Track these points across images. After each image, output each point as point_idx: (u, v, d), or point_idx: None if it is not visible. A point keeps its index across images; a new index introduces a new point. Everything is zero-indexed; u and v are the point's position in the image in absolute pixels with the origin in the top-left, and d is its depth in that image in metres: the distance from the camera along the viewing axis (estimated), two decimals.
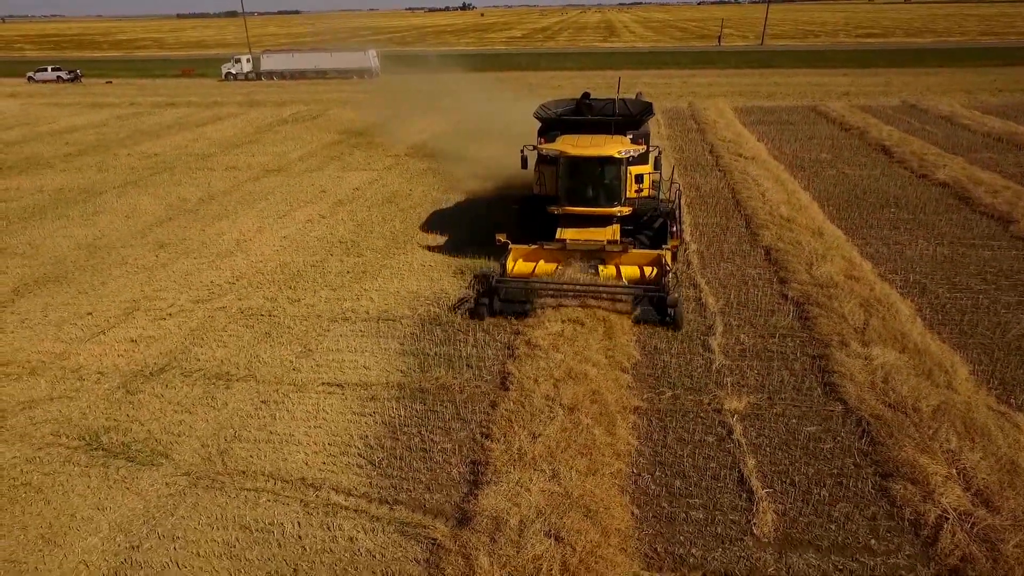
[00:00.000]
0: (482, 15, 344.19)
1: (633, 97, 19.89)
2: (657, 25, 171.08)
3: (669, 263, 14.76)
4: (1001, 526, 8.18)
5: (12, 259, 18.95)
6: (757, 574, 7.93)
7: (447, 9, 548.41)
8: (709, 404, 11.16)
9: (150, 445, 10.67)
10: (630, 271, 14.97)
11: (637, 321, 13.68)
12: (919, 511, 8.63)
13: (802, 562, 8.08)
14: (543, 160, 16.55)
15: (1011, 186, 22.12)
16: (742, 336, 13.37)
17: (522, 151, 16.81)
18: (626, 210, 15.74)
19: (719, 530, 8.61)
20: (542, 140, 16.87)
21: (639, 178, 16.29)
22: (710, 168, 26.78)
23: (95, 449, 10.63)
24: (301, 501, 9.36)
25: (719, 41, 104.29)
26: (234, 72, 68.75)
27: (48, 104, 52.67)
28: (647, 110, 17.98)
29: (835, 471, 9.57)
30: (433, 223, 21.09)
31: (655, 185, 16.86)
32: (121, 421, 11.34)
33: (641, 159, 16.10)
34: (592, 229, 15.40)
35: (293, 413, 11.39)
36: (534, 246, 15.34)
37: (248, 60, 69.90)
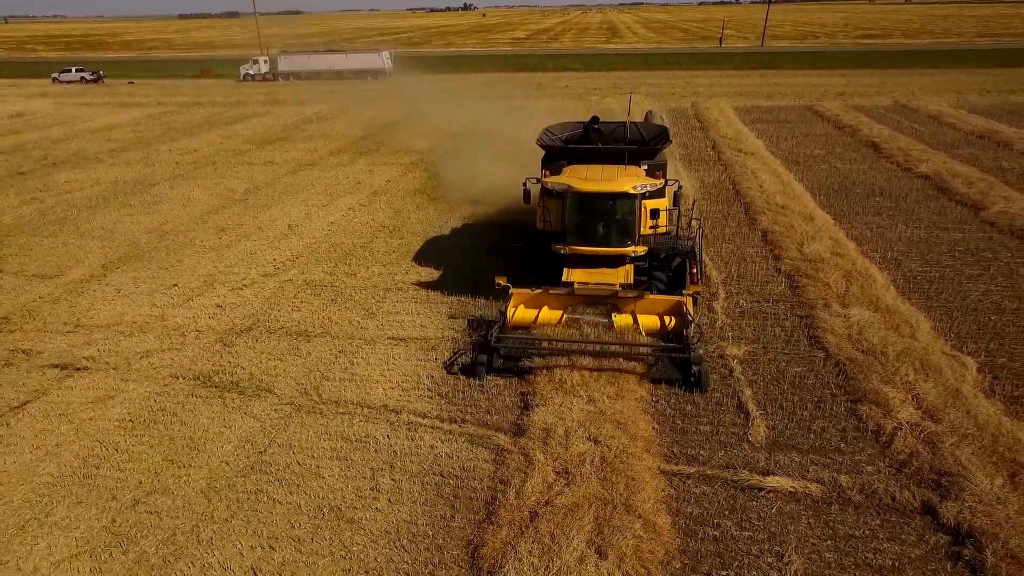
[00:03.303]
0: (484, 15, 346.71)
1: (643, 118, 19.67)
2: (659, 26, 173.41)
3: (691, 311, 13.26)
4: (941, 432, 10.51)
5: (92, 241, 21.31)
6: (751, 467, 10.25)
7: (448, 9, 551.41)
8: (714, 351, 13.48)
9: (254, 383, 13.01)
10: (646, 320, 13.46)
11: (654, 381, 12.34)
12: (879, 424, 10.95)
13: (787, 459, 10.39)
14: (548, 192, 14.94)
15: (985, 178, 24.42)
16: (741, 301, 15.70)
17: (524, 184, 15.25)
18: (641, 250, 14.24)
19: (722, 438, 10.95)
20: (546, 172, 15.47)
21: (654, 213, 14.38)
22: (712, 162, 29.10)
23: (209, 386, 12.97)
24: (387, 421, 11.68)
25: (720, 42, 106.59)
26: (252, 73, 71.21)
27: (79, 104, 55.07)
28: (663, 136, 16.65)
29: (815, 399, 11.89)
30: (464, 211, 23.33)
31: (672, 220, 15.19)
32: (225, 366, 13.67)
33: (657, 192, 14.55)
34: (603, 270, 14.11)
35: (367, 360, 13.72)
36: (538, 291, 13.93)
37: (265, 61, 72.33)
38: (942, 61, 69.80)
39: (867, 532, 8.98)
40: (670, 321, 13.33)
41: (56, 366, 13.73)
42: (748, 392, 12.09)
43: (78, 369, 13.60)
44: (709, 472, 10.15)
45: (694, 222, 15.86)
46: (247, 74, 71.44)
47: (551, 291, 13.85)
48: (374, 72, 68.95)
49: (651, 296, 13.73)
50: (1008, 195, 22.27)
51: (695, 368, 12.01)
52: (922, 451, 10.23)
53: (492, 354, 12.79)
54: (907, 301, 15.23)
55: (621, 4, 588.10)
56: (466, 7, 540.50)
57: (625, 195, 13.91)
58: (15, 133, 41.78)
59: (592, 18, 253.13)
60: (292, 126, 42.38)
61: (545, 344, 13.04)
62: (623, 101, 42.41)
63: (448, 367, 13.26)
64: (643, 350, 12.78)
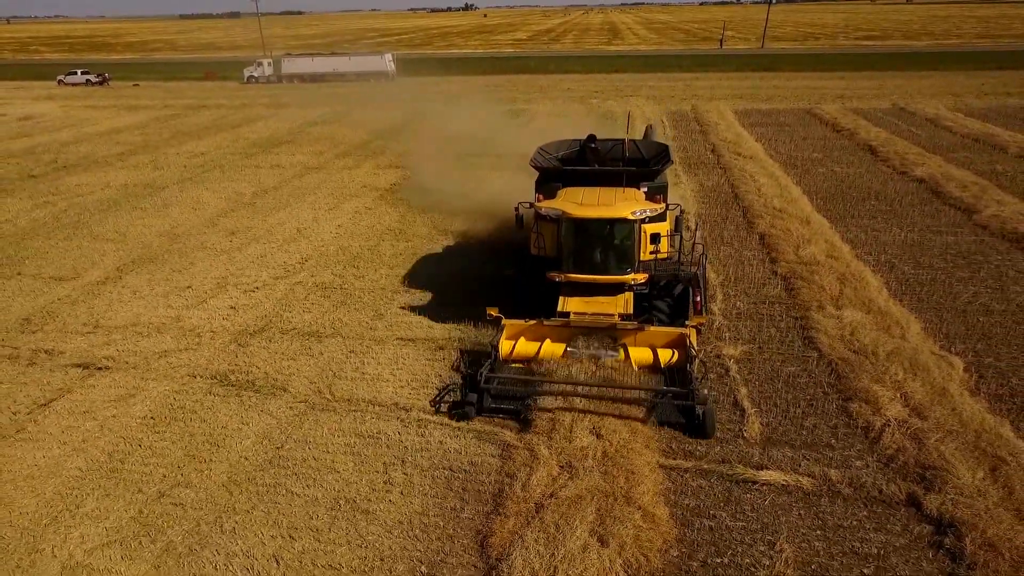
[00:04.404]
0: (485, 16, 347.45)
1: (643, 135, 19.06)
2: (660, 27, 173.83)
3: (695, 345, 12.62)
4: (927, 428, 11.02)
5: (106, 244, 21.85)
6: (746, 462, 10.76)
7: (449, 10, 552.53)
8: (711, 351, 13.99)
9: (269, 382, 13.53)
10: (645, 354, 12.78)
11: (655, 423, 11.55)
12: (869, 421, 11.46)
13: (780, 454, 10.91)
14: (542, 217, 14.22)
15: (979, 182, 24.91)
16: (738, 303, 16.21)
17: (516, 209, 14.61)
18: (640, 277, 13.61)
19: (718, 434, 11.44)
20: (540, 196, 14.69)
21: (655, 238, 13.85)
22: (712, 166, 29.60)
23: (226, 385, 13.50)
24: (398, 418, 12.20)
25: (721, 44, 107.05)
26: (256, 75, 71.79)
27: (86, 107, 55.64)
28: (663, 155, 15.90)
29: (808, 397, 12.40)
30: (467, 215, 23.76)
31: (674, 245, 14.42)
32: (240, 366, 14.20)
33: (658, 216, 13.87)
34: (600, 299, 13.54)
35: (378, 359, 14.25)
36: (532, 322, 13.26)
37: (269, 64, 72.90)
38: (941, 63, 70.22)
39: (855, 523, 9.48)
40: (672, 355, 12.60)
41: (78, 365, 14.27)
42: (744, 390, 12.60)
43: (99, 368, 14.14)
44: (706, 466, 10.67)
45: (698, 246, 15.00)
46: (251, 76, 72.01)
47: (546, 322, 13.20)
48: (377, 74, 69.46)
49: (652, 328, 13.06)
50: (1001, 199, 22.78)
51: (699, 410, 11.27)
52: (908, 446, 10.74)
53: (482, 394, 12.06)
54: (899, 303, 15.74)
55: (622, 4, 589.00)
56: (467, 7, 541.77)
57: (623, 221, 13.23)
58: (25, 136, 42.37)
59: (593, 19, 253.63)
60: (297, 129, 42.91)
61: (539, 385, 12.27)
62: (624, 104, 43.03)
63: (435, 405, 12.48)
64: (642, 393, 11.96)
